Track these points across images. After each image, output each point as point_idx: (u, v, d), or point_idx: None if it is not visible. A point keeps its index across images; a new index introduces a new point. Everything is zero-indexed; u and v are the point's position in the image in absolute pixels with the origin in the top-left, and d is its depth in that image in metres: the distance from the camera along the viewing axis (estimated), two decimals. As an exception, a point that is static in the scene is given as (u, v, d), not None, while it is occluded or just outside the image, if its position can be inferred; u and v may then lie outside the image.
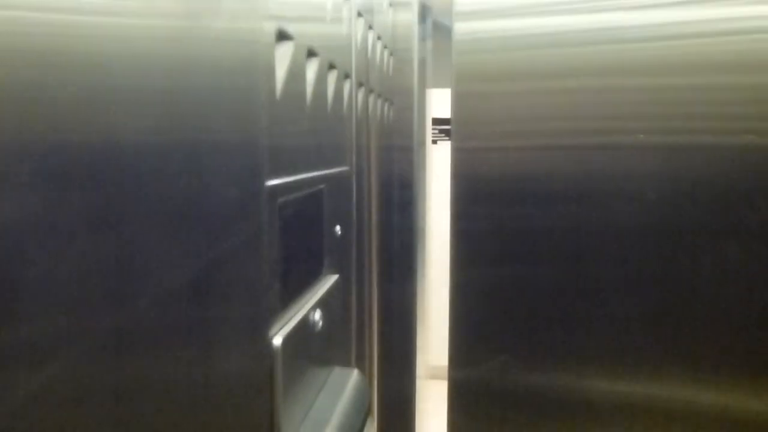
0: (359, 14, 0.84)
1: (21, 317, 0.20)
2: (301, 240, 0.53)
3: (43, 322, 0.21)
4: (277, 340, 0.43)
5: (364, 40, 0.88)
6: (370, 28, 0.92)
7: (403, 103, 1.23)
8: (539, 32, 1.18)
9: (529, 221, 1.20)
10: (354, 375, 0.61)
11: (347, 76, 0.75)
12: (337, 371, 0.61)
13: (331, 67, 0.67)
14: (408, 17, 1.22)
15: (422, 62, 1.37)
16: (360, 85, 0.84)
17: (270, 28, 0.46)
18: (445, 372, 1.25)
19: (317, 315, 0.55)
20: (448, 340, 1.23)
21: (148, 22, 0.28)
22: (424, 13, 1.41)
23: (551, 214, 1.19)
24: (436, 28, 1.58)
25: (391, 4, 1.18)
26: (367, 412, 0.60)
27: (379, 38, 1.01)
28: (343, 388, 0.57)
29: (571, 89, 1.18)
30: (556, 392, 1.21)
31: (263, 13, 0.43)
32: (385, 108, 1.11)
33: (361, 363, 0.86)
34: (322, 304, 0.57)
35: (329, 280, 0.62)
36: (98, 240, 0.24)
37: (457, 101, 1.24)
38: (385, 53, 1.09)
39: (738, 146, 1.10)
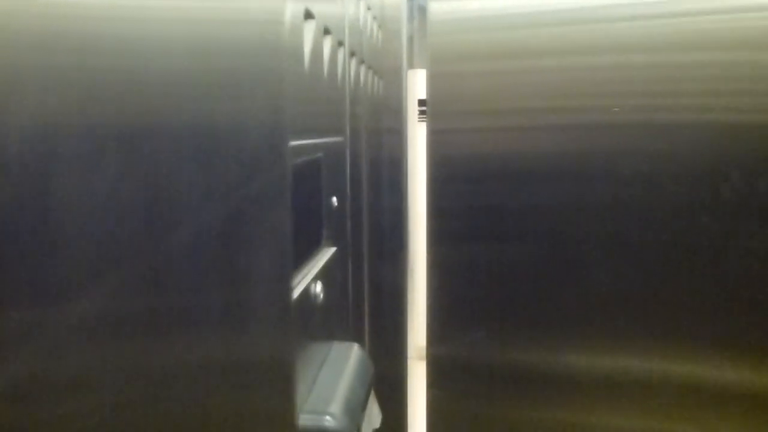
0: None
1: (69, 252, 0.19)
2: (303, 208, 0.50)
3: (79, 264, 0.21)
4: (283, 310, 0.41)
5: (356, 8, 0.85)
6: (369, 9, 0.90)
7: (392, 81, 1.21)
8: (515, 12, 1.17)
9: (505, 199, 1.20)
10: (355, 349, 0.59)
11: (341, 43, 0.73)
12: (338, 346, 0.59)
13: (327, 32, 0.64)
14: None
15: (410, 42, 1.35)
16: (352, 54, 0.81)
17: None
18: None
19: (318, 287, 0.53)
20: (426, 317, 1.23)
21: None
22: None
23: (527, 192, 1.19)
24: (421, 9, 1.56)
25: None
26: (370, 386, 0.58)
27: (369, 9, 0.99)
28: (345, 362, 0.55)
29: (546, 68, 1.17)
30: (535, 367, 1.21)
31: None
32: (375, 81, 1.09)
33: (359, 339, 0.84)
34: (322, 276, 0.55)
35: (328, 252, 0.60)
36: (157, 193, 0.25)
37: (433, 81, 1.23)
38: (375, 25, 1.07)
39: (711, 122, 1.10)
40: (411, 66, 1.59)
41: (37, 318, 0.18)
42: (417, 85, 2.07)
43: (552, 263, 1.19)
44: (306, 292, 0.50)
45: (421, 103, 2.52)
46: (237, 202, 0.33)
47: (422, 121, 2.59)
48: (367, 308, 1.01)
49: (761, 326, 1.11)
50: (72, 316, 0.20)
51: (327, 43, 0.64)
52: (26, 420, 0.18)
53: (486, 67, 1.20)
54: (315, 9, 0.57)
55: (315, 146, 0.56)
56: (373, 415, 0.62)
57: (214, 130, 0.31)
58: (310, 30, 0.56)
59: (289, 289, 0.40)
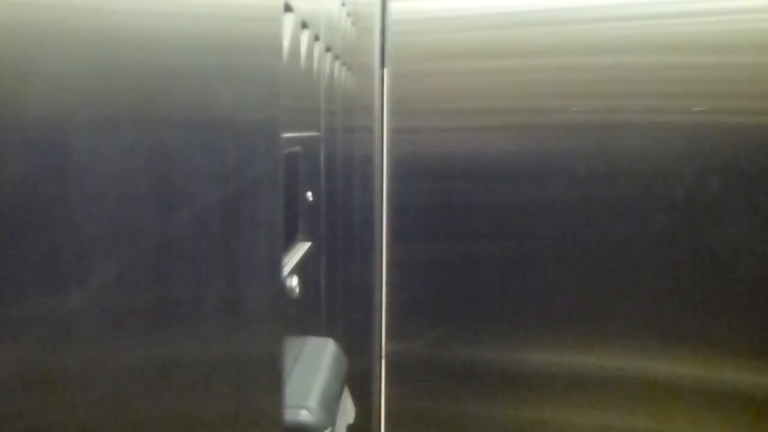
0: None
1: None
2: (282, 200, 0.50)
3: (97, 236, 0.21)
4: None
5: (331, 3, 0.85)
6: (343, 5, 0.90)
7: (364, 79, 1.21)
8: (474, 13, 1.19)
9: (463, 197, 1.21)
10: (330, 344, 0.59)
11: (317, 37, 0.73)
12: (313, 340, 0.59)
13: (304, 26, 0.64)
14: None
15: (383, 41, 1.35)
16: (328, 49, 0.81)
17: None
18: (407, 347, 1.25)
19: (294, 281, 0.53)
20: (384, 314, 1.23)
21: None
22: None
23: (485, 190, 1.21)
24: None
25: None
26: (345, 381, 0.58)
27: (343, 5, 0.98)
28: (320, 357, 0.55)
29: (504, 69, 1.19)
30: (493, 364, 1.23)
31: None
32: (349, 77, 1.08)
33: (330, 335, 0.84)
34: (298, 270, 0.55)
35: (303, 247, 0.60)
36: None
37: (392, 81, 1.24)
38: (349, 21, 1.07)
39: (664, 123, 1.14)
40: (383, 65, 1.59)
41: (38, 309, 0.18)
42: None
43: (510, 261, 1.21)
44: (282, 285, 0.50)
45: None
46: (233, 193, 0.33)
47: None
48: (339, 304, 1.01)
49: (713, 322, 1.15)
50: (63, 307, 0.20)
51: (304, 37, 0.64)
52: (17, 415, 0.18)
53: (446, 67, 1.21)
54: (294, 2, 0.57)
55: (293, 140, 0.55)
56: (348, 409, 0.62)
57: (213, 120, 0.32)
58: (289, 23, 0.55)
59: (280, 278, 0.40)
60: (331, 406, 0.50)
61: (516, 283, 1.21)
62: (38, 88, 0.18)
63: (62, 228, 0.19)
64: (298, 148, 0.57)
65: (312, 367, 0.53)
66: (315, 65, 0.71)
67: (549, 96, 1.18)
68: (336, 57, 0.89)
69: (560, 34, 1.17)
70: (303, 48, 0.63)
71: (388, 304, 1.24)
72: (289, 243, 0.55)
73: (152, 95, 0.26)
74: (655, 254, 1.17)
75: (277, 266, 0.39)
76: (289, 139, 0.54)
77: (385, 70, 1.25)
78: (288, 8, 0.55)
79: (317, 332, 0.72)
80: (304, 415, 0.46)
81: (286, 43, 0.53)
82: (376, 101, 1.23)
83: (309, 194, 0.65)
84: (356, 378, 1.14)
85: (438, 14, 1.22)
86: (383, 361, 1.25)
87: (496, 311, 1.23)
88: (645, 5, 1.13)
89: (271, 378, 0.39)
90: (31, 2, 0.18)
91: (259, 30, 0.40)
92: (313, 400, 0.47)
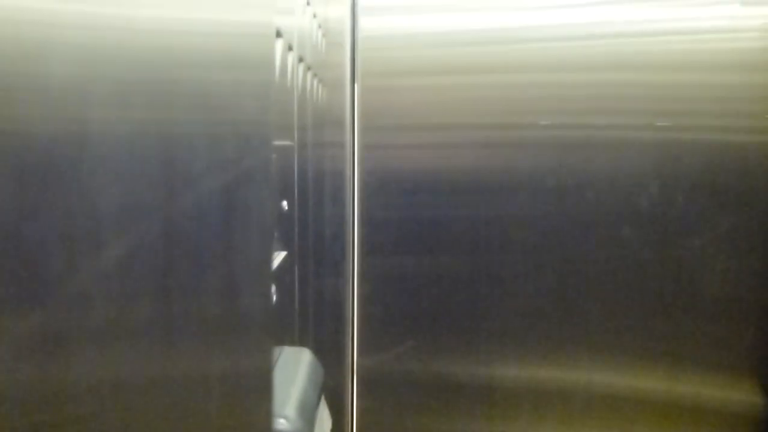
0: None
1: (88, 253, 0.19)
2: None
3: (102, 240, 0.21)
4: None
5: (303, 14, 0.85)
6: (308, 4, 0.90)
7: (335, 93, 1.22)
8: (442, 30, 1.21)
9: (433, 212, 1.22)
10: (306, 354, 0.59)
11: (290, 47, 0.73)
12: (289, 350, 0.58)
13: (278, 35, 0.64)
14: (341, 11, 1.21)
15: (353, 57, 1.36)
16: (300, 59, 0.81)
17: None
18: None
19: (272, 289, 0.52)
20: (356, 327, 1.23)
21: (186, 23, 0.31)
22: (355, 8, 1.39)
23: (454, 204, 1.22)
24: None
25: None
26: (321, 391, 0.57)
27: (315, 16, 0.99)
28: (297, 366, 0.55)
29: (472, 85, 1.22)
30: (464, 377, 1.24)
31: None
32: (320, 89, 1.09)
33: (303, 345, 0.83)
34: (274, 278, 0.54)
35: (279, 256, 0.59)
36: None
37: (363, 96, 1.25)
38: (320, 33, 1.07)
39: (631, 137, 1.17)
40: (354, 80, 1.60)
41: (27, 321, 0.18)
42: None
43: (479, 275, 1.22)
44: (259, 293, 0.49)
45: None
46: (227, 202, 0.34)
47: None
48: (311, 317, 1.00)
49: (677, 334, 1.18)
50: (53, 316, 0.19)
51: (278, 46, 0.64)
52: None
53: (414, 83, 1.23)
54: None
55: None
56: (324, 419, 0.61)
57: (209, 132, 0.33)
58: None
59: (269, 287, 0.40)
60: (309, 415, 0.49)
61: (487, 296, 1.22)
62: (45, 100, 0.19)
63: (55, 233, 0.19)
64: (273, 155, 0.57)
65: (289, 376, 0.52)
66: (288, 75, 0.71)
67: (518, 112, 1.21)
68: (308, 68, 0.90)
69: (528, 51, 1.20)
70: (277, 57, 0.63)
71: (359, 317, 1.23)
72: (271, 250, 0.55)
73: (156, 109, 0.26)
74: (623, 268, 1.19)
75: (266, 274, 0.39)
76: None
77: (356, 85, 1.26)
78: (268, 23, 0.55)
79: (292, 342, 0.72)
80: (282, 424, 0.45)
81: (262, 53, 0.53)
82: (347, 115, 1.24)
83: (284, 203, 0.65)
84: (329, 391, 1.13)
85: (408, 31, 1.24)
86: (354, 375, 1.24)
87: (467, 325, 1.23)
88: (612, 24, 1.16)
89: (260, 387, 0.39)
90: (35, 19, 0.19)
91: (245, 46, 0.41)
92: (291, 408, 0.46)
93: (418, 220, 1.24)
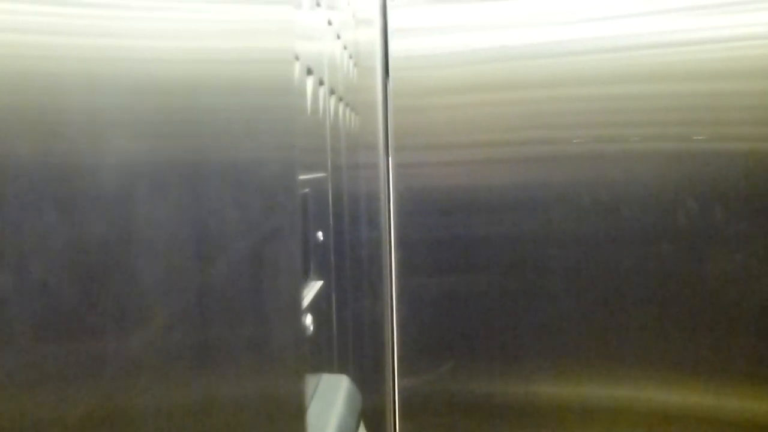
0: (329, 22, 0.84)
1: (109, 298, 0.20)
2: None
3: (135, 282, 0.22)
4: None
5: (334, 46, 0.88)
6: (338, 37, 0.93)
7: (368, 116, 1.24)
8: (472, 48, 1.22)
9: (468, 230, 1.22)
10: (344, 381, 0.60)
11: (322, 81, 0.75)
12: (327, 378, 0.60)
13: (309, 72, 0.67)
14: (371, 34, 1.24)
15: (385, 79, 1.38)
16: (332, 92, 0.84)
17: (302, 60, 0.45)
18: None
19: (309, 319, 0.54)
20: (396, 349, 1.24)
21: (206, 64, 0.32)
22: (386, 29, 1.42)
23: (490, 222, 1.22)
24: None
25: (356, 23, 1.19)
26: (360, 417, 0.59)
27: (345, 48, 1.02)
28: (335, 393, 0.56)
29: (505, 102, 1.22)
30: (503, 397, 1.23)
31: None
32: (353, 118, 1.11)
33: (344, 372, 0.85)
34: (311, 309, 0.56)
35: (315, 286, 0.61)
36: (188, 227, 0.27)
37: (395, 116, 1.26)
38: (351, 63, 1.10)
39: (666, 151, 1.15)
40: (386, 101, 1.62)
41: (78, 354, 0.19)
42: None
43: (517, 293, 1.21)
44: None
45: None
46: (257, 237, 0.35)
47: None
48: (350, 341, 1.02)
49: (721, 349, 1.15)
50: (95, 352, 0.21)
51: (310, 82, 0.67)
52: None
53: (447, 102, 1.24)
54: (299, 50, 0.60)
55: (303, 182, 0.57)
56: (364, 446, 0.63)
57: (237, 168, 0.34)
58: (295, 70, 0.58)
59: (300, 319, 0.41)
60: (347, 442, 0.50)
61: (525, 314, 1.22)
62: (59, 138, 0.20)
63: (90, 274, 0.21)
64: (307, 189, 0.59)
65: (328, 404, 0.54)
66: (321, 108, 0.73)
67: (551, 127, 1.20)
68: (340, 99, 0.92)
69: (559, 65, 1.19)
70: (309, 93, 0.65)
71: (398, 339, 1.24)
72: (302, 283, 0.57)
73: (179, 144, 0.28)
74: (662, 283, 1.17)
75: (297, 306, 0.41)
76: (301, 182, 0.56)
77: (388, 106, 1.28)
78: (295, 57, 0.58)
79: (331, 369, 0.73)
80: (322, 452, 0.46)
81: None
82: (380, 137, 1.26)
83: (319, 234, 0.67)
84: (370, 414, 1.14)
85: (437, 50, 1.25)
86: (396, 397, 1.25)
87: (506, 344, 1.23)
88: (641, 36, 1.16)
89: (294, 418, 0.40)
90: (53, 54, 0.20)
91: (272, 79, 0.43)
92: (331, 435, 0.48)
93: (453, 239, 1.24)
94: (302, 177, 0.60)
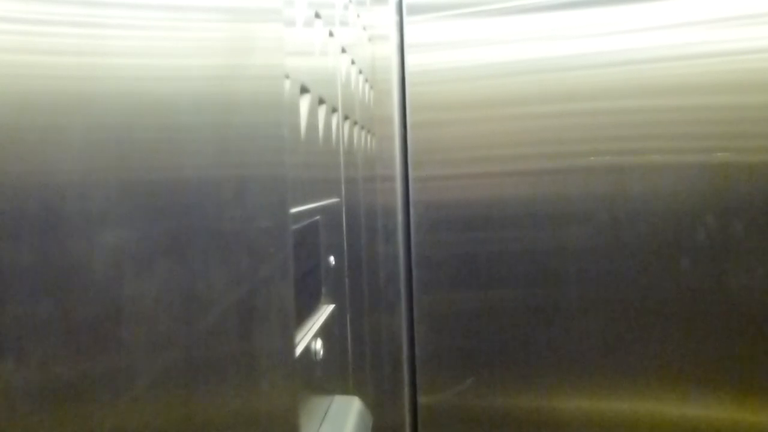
0: (343, 50, 0.86)
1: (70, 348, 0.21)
2: (303, 269, 0.54)
3: (94, 348, 0.22)
4: (286, 369, 0.44)
5: (348, 74, 0.90)
6: (353, 63, 0.95)
7: (384, 132, 1.26)
8: (488, 62, 1.23)
9: (487, 246, 1.23)
10: (355, 403, 0.62)
11: (335, 110, 0.78)
12: (338, 400, 0.61)
13: (321, 102, 0.69)
14: (387, 50, 1.26)
15: (402, 94, 1.40)
16: (345, 118, 0.86)
17: (296, 79, 0.48)
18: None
19: (318, 344, 0.56)
20: (416, 366, 1.24)
21: (187, 82, 0.31)
22: (402, 44, 1.44)
23: (508, 238, 1.22)
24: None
25: (370, 39, 1.21)
26: (370, 439, 0.60)
27: (360, 72, 1.04)
28: (346, 416, 0.58)
29: (521, 116, 1.23)
30: (524, 412, 1.22)
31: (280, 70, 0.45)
32: (368, 139, 1.13)
33: (360, 392, 0.86)
34: (322, 333, 0.58)
35: (327, 310, 0.63)
36: (141, 271, 0.25)
37: (413, 131, 1.28)
38: (366, 86, 1.12)
39: (686, 165, 1.15)
40: (404, 115, 1.64)
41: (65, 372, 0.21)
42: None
43: (536, 308, 1.22)
44: (307, 349, 0.53)
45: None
46: (245, 274, 0.35)
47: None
48: (368, 360, 1.03)
49: (743, 363, 1.13)
50: (85, 367, 0.22)
51: (322, 112, 0.69)
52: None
53: (464, 116, 1.25)
54: (310, 83, 0.62)
55: (313, 210, 0.59)
56: (375, 467, 0.64)
57: (222, 200, 0.33)
58: (305, 103, 0.60)
59: (293, 357, 0.43)
60: (356, 464, 0.52)
61: (544, 329, 1.22)
62: (37, 156, 0.20)
63: (80, 296, 0.22)
64: (318, 217, 0.61)
65: (337, 426, 0.55)
66: (333, 135, 0.76)
67: (569, 141, 1.21)
68: (355, 123, 0.94)
69: (577, 79, 1.20)
70: (321, 122, 0.68)
71: (418, 356, 1.25)
72: (312, 307, 0.59)
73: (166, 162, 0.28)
74: (682, 298, 1.16)
75: (290, 344, 0.42)
76: (312, 210, 0.58)
77: (406, 121, 1.30)
78: (304, 90, 0.60)
79: (345, 390, 0.75)
80: (331, 475, 0.48)
81: (302, 122, 0.58)
82: (397, 153, 1.28)
83: (331, 258, 0.69)
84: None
85: (454, 65, 1.27)
86: (417, 415, 1.26)
87: (526, 359, 1.23)
88: (657, 49, 1.16)
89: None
90: (35, 73, 0.20)
91: (265, 112, 0.44)
92: (339, 459, 0.49)
93: (472, 255, 1.25)
94: (314, 205, 0.62)
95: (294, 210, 0.49)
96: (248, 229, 0.36)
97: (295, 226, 0.48)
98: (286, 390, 0.41)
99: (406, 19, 1.29)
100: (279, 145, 0.43)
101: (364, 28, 1.12)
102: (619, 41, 1.18)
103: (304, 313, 0.53)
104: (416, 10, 1.28)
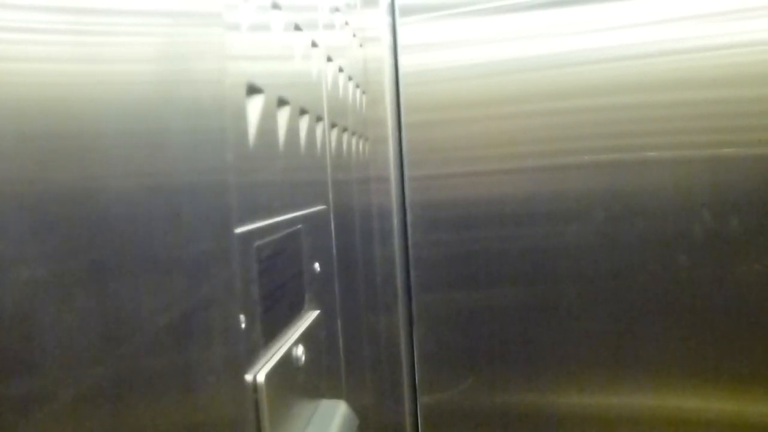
0: (329, 59, 0.88)
1: (23, 366, 0.22)
2: (281, 279, 0.55)
3: (38, 371, 0.22)
4: (261, 377, 0.46)
5: (335, 82, 0.92)
6: (341, 70, 0.96)
7: (379, 134, 1.27)
8: (482, 61, 1.24)
9: (484, 244, 1.24)
10: (340, 406, 0.63)
11: (320, 118, 0.79)
12: (324, 403, 0.63)
13: (303, 112, 0.70)
14: (379, 52, 1.27)
15: (397, 95, 1.41)
16: (333, 125, 0.88)
17: (240, 82, 0.49)
18: (436, 398, 1.26)
19: (300, 350, 0.57)
20: (415, 366, 1.26)
21: (125, 83, 0.30)
22: (395, 45, 1.45)
23: (505, 236, 1.23)
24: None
25: (362, 43, 1.22)
26: (355, 442, 0.62)
27: (350, 79, 1.05)
28: (330, 419, 0.59)
29: (517, 114, 1.23)
30: (525, 410, 1.24)
31: (231, 71, 0.46)
32: (361, 143, 1.15)
33: (356, 395, 0.88)
34: (304, 339, 0.60)
35: (311, 316, 0.65)
36: (77, 291, 0.25)
37: (408, 131, 1.29)
38: (357, 92, 1.13)
39: (682, 161, 1.15)
40: (397, 117, 1.65)
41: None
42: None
43: (533, 305, 1.22)
44: (287, 355, 0.54)
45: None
46: (186, 302, 0.34)
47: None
48: (366, 362, 1.04)
49: (742, 358, 1.13)
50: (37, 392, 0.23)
51: (304, 123, 0.70)
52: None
53: (459, 115, 1.26)
54: (289, 95, 0.63)
55: (293, 220, 0.61)
56: (361, 468, 0.65)
57: (152, 213, 0.31)
58: (257, 108, 0.60)
59: (243, 380, 0.43)
60: (338, 467, 0.53)
61: (543, 327, 1.23)
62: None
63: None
64: (299, 226, 0.63)
65: (321, 429, 0.57)
66: (318, 143, 0.77)
67: (565, 138, 1.22)
68: (344, 129, 0.96)
69: (572, 76, 1.20)
70: (303, 133, 0.69)
71: (417, 356, 1.26)
72: (295, 315, 0.60)
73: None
74: (680, 294, 1.17)
75: (237, 364, 0.42)
76: (287, 221, 0.59)
77: (401, 122, 1.31)
78: (282, 102, 0.62)
79: (337, 394, 0.76)
80: (311, 478, 0.49)
81: (281, 135, 0.59)
82: (392, 154, 1.29)
83: (317, 265, 0.70)
84: (389, 432, 1.16)
85: (448, 64, 1.28)
86: (418, 415, 1.27)
87: (526, 357, 1.24)
88: (651, 44, 1.16)
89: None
90: None
91: (207, 118, 0.44)
92: (319, 462, 0.51)
93: (469, 254, 1.26)
94: (295, 215, 0.63)
95: (263, 223, 0.51)
96: (183, 245, 0.35)
97: (263, 240, 0.50)
98: (235, 409, 0.42)
99: (398, 20, 1.30)
100: (221, 153, 0.42)
101: (354, 34, 1.13)
102: (613, 37, 1.18)
103: (280, 323, 0.55)
104: (409, 11, 1.29)
